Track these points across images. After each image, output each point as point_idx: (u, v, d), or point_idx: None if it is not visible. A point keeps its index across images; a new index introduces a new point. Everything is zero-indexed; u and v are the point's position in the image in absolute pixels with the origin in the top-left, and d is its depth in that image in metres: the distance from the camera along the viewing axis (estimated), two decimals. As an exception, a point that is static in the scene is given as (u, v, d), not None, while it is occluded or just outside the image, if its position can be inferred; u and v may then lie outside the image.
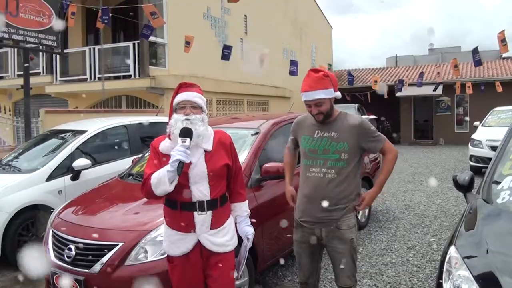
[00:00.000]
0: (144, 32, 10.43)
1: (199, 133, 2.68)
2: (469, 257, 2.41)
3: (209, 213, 2.73)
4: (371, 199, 3.26)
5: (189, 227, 2.72)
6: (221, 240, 2.78)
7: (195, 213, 2.71)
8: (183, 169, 2.55)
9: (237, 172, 2.91)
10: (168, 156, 2.60)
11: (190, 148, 2.58)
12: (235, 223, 2.94)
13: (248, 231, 2.91)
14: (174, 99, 2.79)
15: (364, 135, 3.06)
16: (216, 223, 2.77)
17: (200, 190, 2.70)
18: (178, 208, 2.73)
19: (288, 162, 3.50)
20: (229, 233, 2.83)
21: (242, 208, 2.95)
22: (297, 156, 3.47)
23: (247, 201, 2.98)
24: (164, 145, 2.74)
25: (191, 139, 2.60)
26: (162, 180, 2.56)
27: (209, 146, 2.75)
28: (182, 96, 2.74)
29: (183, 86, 2.80)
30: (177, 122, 2.66)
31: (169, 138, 2.72)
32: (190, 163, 2.63)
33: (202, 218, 2.72)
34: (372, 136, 3.10)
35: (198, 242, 2.75)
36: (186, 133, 2.60)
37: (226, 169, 2.81)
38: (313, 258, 3.24)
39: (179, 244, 2.76)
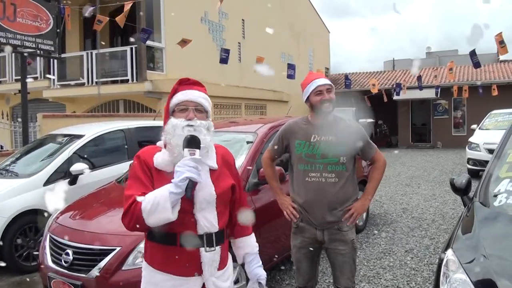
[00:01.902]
0: (141, 36, 10.44)
1: (206, 145, 2.10)
2: (466, 261, 2.41)
3: (218, 248, 2.15)
4: (362, 210, 3.12)
5: (193, 268, 2.09)
6: (225, 285, 2.22)
7: (202, 249, 2.09)
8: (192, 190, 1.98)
9: (241, 198, 2.34)
10: (164, 174, 2.06)
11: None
12: (243, 263, 2.38)
13: (261, 274, 2.33)
14: (171, 99, 2.19)
15: (359, 139, 3.07)
16: (223, 262, 2.21)
17: (207, 219, 2.10)
18: (177, 243, 2.07)
19: (272, 175, 3.36)
20: (230, 276, 2.30)
21: (251, 244, 2.36)
22: (275, 167, 3.41)
23: (253, 234, 2.40)
24: (161, 158, 2.09)
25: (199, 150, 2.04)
26: (162, 205, 1.91)
27: (214, 163, 2.17)
28: (183, 95, 2.15)
29: (184, 83, 2.21)
30: (176, 128, 2.07)
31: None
32: (195, 184, 2.00)
33: (210, 256, 2.11)
34: (367, 142, 3.13)
35: None
36: (192, 142, 2.02)
37: (231, 192, 2.25)
38: (312, 263, 3.23)
39: None
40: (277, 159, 3.37)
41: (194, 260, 2.09)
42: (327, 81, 3.04)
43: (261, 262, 2.36)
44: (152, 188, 2.02)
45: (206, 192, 2.09)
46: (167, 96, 2.22)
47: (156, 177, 2.07)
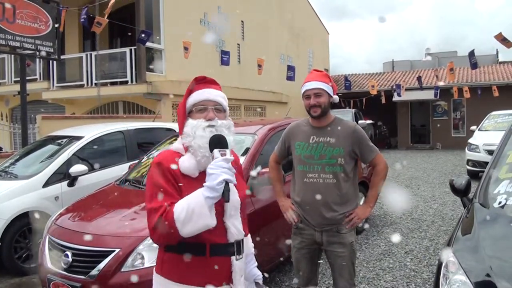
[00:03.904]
0: (141, 38, 10.47)
1: (230, 145, 1.98)
2: (466, 262, 2.41)
3: (244, 256, 2.09)
4: (363, 216, 3.08)
5: (222, 278, 1.99)
6: None
7: (232, 258, 2.00)
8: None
9: (245, 201, 2.22)
10: (191, 179, 1.94)
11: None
12: None
13: (258, 274, 2.29)
14: (187, 99, 2.07)
15: (358, 141, 3.05)
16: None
17: (236, 226, 2.02)
18: (207, 253, 1.95)
19: (276, 178, 3.40)
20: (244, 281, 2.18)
21: (249, 245, 2.28)
22: (281, 170, 3.46)
23: (249, 235, 2.32)
24: (188, 162, 1.95)
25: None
26: (198, 212, 1.80)
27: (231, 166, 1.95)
28: (201, 95, 2.04)
29: (201, 81, 2.09)
30: (197, 129, 1.96)
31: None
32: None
33: (240, 264, 2.05)
34: (366, 144, 3.09)
35: None
36: (220, 142, 1.91)
37: None
38: (312, 264, 3.22)
39: None
40: (283, 162, 3.39)
41: (225, 269, 1.99)
42: (316, 85, 3.00)
43: (256, 263, 2.32)
44: (180, 197, 1.88)
45: (234, 197, 1.99)
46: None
47: (183, 184, 1.93)
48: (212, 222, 1.84)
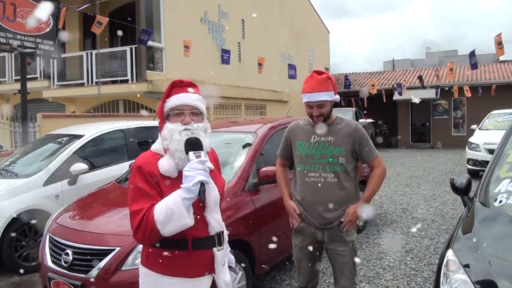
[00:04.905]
0: (141, 37, 10.45)
1: (206, 147, 2.10)
2: (466, 261, 2.40)
3: (224, 246, 2.25)
4: (355, 218, 3.05)
5: (205, 268, 2.14)
6: (228, 277, 2.26)
7: (214, 249, 2.15)
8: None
9: (222, 194, 2.32)
10: (170, 179, 2.04)
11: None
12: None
13: (232, 258, 2.45)
14: (165, 102, 2.16)
15: (358, 140, 3.04)
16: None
17: (216, 219, 2.16)
18: (189, 247, 2.08)
19: (283, 180, 3.37)
20: (227, 269, 2.32)
21: (225, 233, 2.35)
22: (287, 173, 3.43)
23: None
24: (167, 164, 2.05)
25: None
26: (177, 212, 1.90)
27: (210, 164, 2.11)
28: (177, 99, 2.13)
29: (177, 85, 2.18)
30: (174, 133, 2.06)
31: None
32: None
33: (221, 255, 2.19)
34: (367, 144, 3.07)
35: (213, 286, 2.20)
36: (195, 144, 2.02)
37: None
38: (313, 262, 3.22)
39: None
40: (288, 163, 3.36)
41: (207, 260, 2.13)
42: (319, 97, 2.94)
43: (229, 248, 2.42)
44: (161, 198, 1.98)
45: (213, 192, 2.12)
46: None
47: (163, 185, 2.03)
48: (190, 222, 1.96)
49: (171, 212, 1.89)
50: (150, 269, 2.14)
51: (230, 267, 2.36)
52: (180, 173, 2.02)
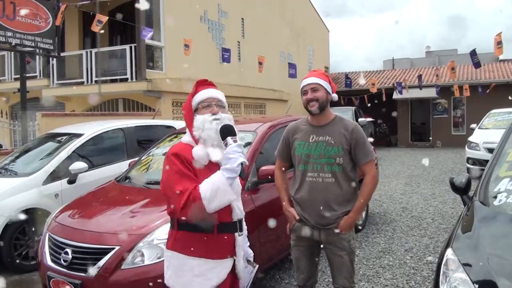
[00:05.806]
0: (143, 33, 10.45)
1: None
2: (466, 260, 2.40)
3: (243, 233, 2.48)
4: (349, 226, 3.03)
5: (227, 251, 2.37)
6: (242, 265, 2.48)
7: (236, 234, 2.39)
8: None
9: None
10: (200, 168, 2.27)
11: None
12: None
13: (250, 252, 2.65)
14: (193, 98, 2.44)
15: (355, 141, 3.01)
16: None
17: (238, 206, 2.42)
18: (215, 231, 2.31)
19: (282, 185, 3.30)
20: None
21: (244, 225, 2.63)
22: (286, 177, 3.38)
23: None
24: (201, 151, 2.29)
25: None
26: (222, 189, 2.15)
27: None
28: (205, 93, 2.42)
29: (203, 84, 2.50)
30: (205, 123, 2.31)
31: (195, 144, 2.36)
32: None
33: (241, 240, 2.43)
34: (363, 146, 3.03)
35: (232, 270, 2.41)
36: (230, 131, 2.25)
37: None
38: (311, 261, 3.23)
39: (210, 275, 2.31)
40: (287, 165, 3.30)
41: (230, 244, 2.36)
42: (312, 80, 3.03)
43: (249, 243, 2.65)
44: (201, 179, 2.21)
45: (237, 183, 2.38)
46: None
47: (196, 170, 2.26)
48: (234, 196, 2.26)
49: (216, 190, 2.14)
50: (177, 251, 2.34)
51: (248, 261, 2.57)
52: (209, 162, 2.29)
